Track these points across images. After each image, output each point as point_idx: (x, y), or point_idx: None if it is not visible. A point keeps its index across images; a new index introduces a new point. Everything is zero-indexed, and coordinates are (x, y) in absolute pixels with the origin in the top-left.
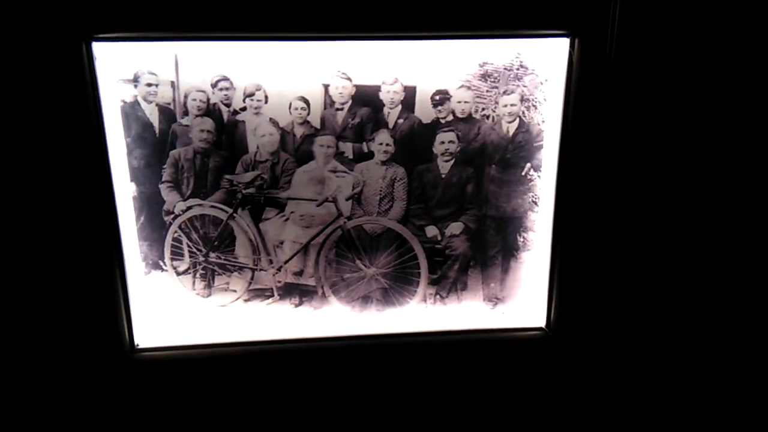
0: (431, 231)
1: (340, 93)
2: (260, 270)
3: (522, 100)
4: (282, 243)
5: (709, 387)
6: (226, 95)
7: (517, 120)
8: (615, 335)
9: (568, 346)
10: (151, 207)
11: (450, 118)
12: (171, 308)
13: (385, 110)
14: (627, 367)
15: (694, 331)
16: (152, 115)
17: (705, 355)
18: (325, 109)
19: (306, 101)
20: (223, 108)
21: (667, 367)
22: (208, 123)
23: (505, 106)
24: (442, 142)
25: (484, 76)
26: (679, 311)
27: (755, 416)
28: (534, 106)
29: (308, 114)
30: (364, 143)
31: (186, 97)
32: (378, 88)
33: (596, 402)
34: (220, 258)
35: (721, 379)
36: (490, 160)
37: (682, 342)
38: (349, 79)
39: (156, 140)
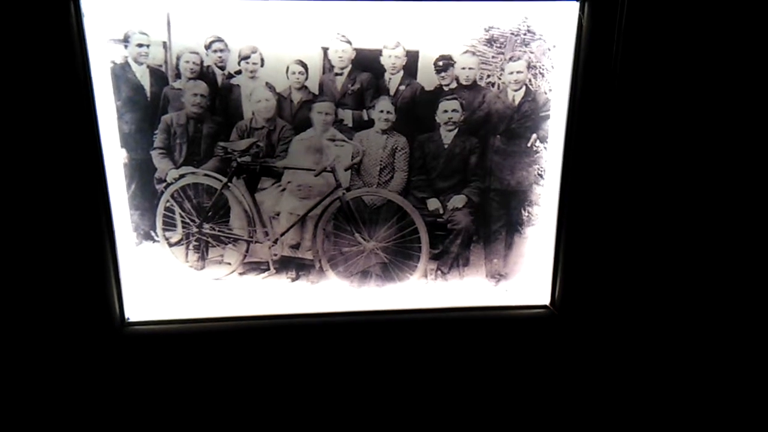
0: (433, 204)
1: (340, 57)
2: (255, 242)
3: (529, 67)
4: (278, 214)
5: (713, 363)
6: (220, 57)
7: (524, 88)
8: (621, 314)
9: (573, 324)
10: (142, 174)
11: (454, 85)
12: (163, 281)
13: (387, 76)
14: (632, 346)
15: (700, 309)
16: (143, 77)
17: (711, 333)
18: (323, 73)
19: (304, 65)
20: (218, 71)
21: (673, 347)
22: (202, 87)
23: (511, 73)
24: (445, 111)
25: (490, 42)
26: (686, 288)
27: (758, 402)
28: (541, 73)
29: (306, 79)
30: (364, 111)
31: (178, 58)
32: (379, 53)
33: (601, 382)
34: (214, 229)
35: (725, 358)
36: (495, 130)
37: (688, 320)
38: (349, 42)
39: (147, 104)
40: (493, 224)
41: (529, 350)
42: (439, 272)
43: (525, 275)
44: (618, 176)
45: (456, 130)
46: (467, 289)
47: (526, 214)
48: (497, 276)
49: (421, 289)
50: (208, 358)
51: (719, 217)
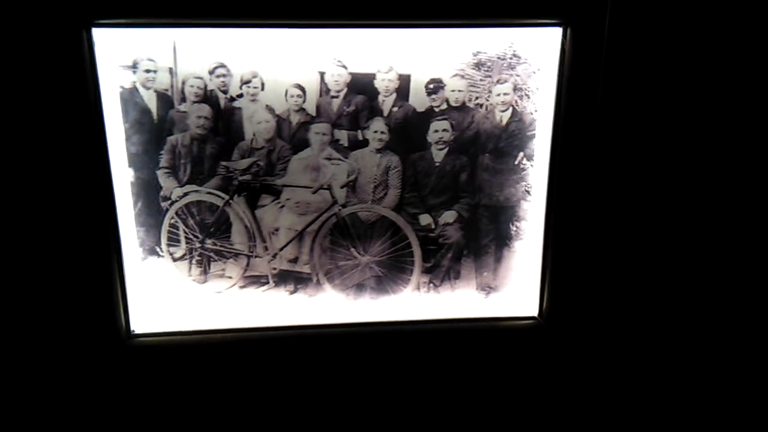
0: (425, 219)
1: (336, 81)
2: (255, 257)
3: (515, 89)
4: (277, 230)
5: (702, 373)
6: (223, 82)
7: (510, 109)
8: (608, 324)
9: (561, 335)
10: (148, 193)
11: (444, 106)
12: (167, 294)
13: (380, 98)
14: (619, 356)
15: (687, 319)
16: (150, 101)
17: (698, 341)
18: (320, 96)
19: (302, 89)
20: (220, 95)
21: (660, 357)
22: (205, 109)
23: (499, 95)
24: (436, 131)
25: (478, 65)
26: (672, 300)
27: (750, 410)
28: (527, 95)
29: (304, 101)
30: (359, 131)
31: (184, 83)
32: (373, 77)
33: (588, 392)
34: (216, 244)
35: (714, 367)
36: (484, 148)
37: (675, 331)
38: (344, 67)
39: (154, 126)
40: (483, 239)
41: (518, 360)
42: (431, 285)
43: (514, 287)
44: (601, 191)
45: (446, 149)
46: (458, 301)
47: (515, 228)
48: (487, 288)
49: (414, 302)
50: (211, 369)
51: (702, 228)
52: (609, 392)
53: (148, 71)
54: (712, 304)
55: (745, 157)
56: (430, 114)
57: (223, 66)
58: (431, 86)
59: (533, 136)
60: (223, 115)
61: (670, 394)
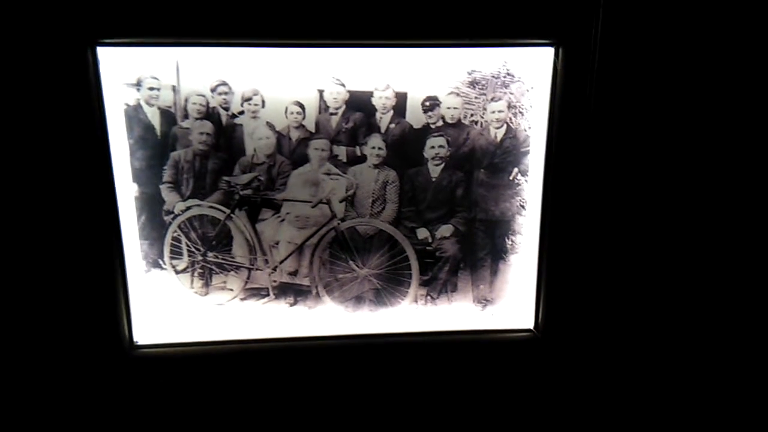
0: (422, 233)
1: (335, 98)
2: (256, 269)
3: (509, 106)
4: (277, 243)
5: (699, 385)
6: (224, 99)
7: (505, 126)
8: (602, 337)
9: (556, 347)
10: (151, 207)
11: (440, 123)
12: (169, 306)
13: (378, 115)
14: (615, 368)
15: (682, 330)
16: (154, 118)
17: (694, 351)
18: (319, 113)
19: (301, 106)
20: (222, 112)
21: (655, 368)
22: (208, 126)
23: (493, 112)
24: (433, 147)
25: (473, 84)
26: (666, 311)
27: (748, 419)
28: (521, 112)
29: (303, 118)
30: (357, 147)
31: (186, 100)
32: (371, 94)
33: (584, 403)
34: (217, 257)
35: (711, 379)
36: (479, 164)
37: (670, 342)
38: (343, 85)
39: (157, 142)
40: (479, 252)
41: (514, 372)
42: (428, 297)
43: (510, 300)
44: (595, 205)
45: (443, 165)
46: (455, 313)
47: (510, 242)
48: (483, 301)
49: (411, 314)
50: (212, 379)
51: (697, 239)
52: (604, 404)
53: (151, 89)
54: (707, 313)
55: (736, 172)
56: (426, 130)
57: (224, 84)
58: (427, 104)
59: (527, 152)
60: (224, 132)
61: (665, 404)
